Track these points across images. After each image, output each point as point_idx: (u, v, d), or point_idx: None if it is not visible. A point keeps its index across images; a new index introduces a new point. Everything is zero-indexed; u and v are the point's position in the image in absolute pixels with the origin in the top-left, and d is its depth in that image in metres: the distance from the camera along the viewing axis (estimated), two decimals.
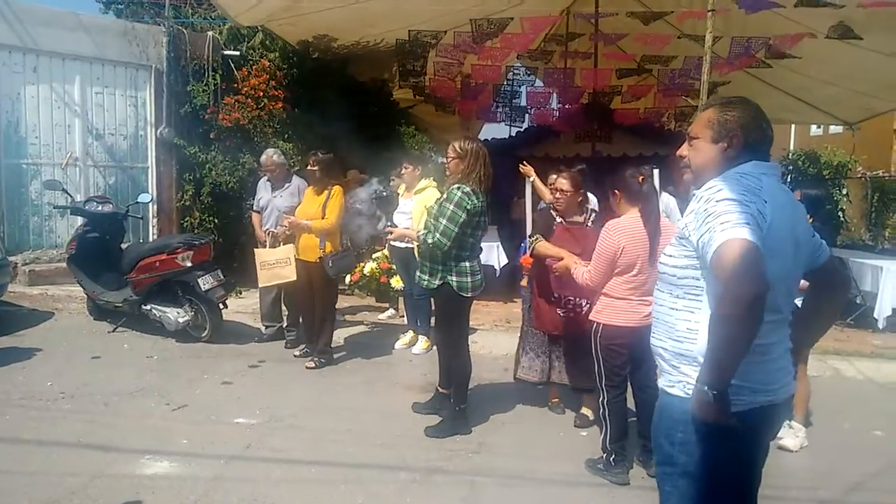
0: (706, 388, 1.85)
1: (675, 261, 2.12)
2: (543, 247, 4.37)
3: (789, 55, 9.00)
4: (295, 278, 5.87)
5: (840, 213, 11.79)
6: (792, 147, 15.84)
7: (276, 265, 5.98)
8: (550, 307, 4.61)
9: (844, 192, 12.03)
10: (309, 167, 5.80)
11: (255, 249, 6.26)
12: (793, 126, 17.89)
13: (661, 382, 2.18)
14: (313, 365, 5.78)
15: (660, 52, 10.26)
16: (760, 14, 7.86)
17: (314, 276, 5.77)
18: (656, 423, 2.20)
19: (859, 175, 12.83)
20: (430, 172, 6.61)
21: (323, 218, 5.70)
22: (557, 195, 4.50)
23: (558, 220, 4.60)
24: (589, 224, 4.54)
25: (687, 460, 2.05)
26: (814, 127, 17.77)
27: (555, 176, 4.79)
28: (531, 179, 5.60)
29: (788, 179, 11.56)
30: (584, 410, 4.76)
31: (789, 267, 2.03)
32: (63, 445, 4.05)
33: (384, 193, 6.85)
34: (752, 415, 1.99)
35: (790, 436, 4.44)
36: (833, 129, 15.20)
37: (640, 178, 3.83)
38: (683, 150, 2.24)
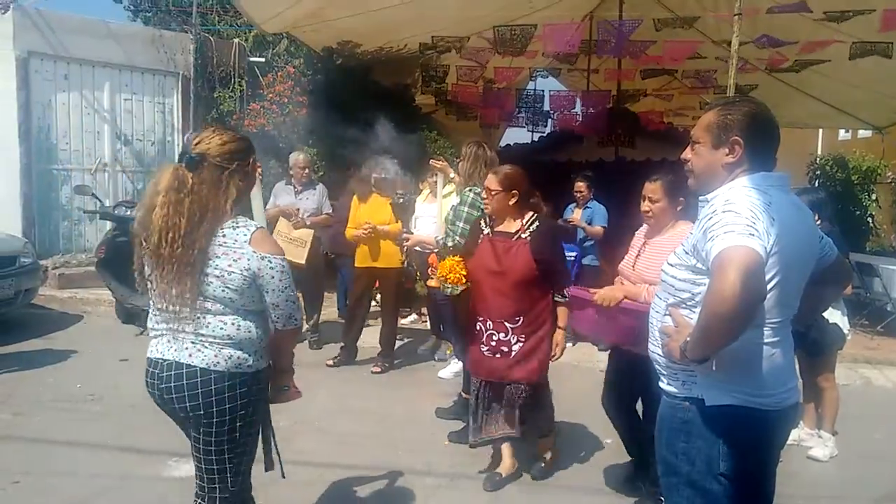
0: (685, 349, 1.90)
1: (675, 271, 2.08)
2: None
3: (818, 60, 8.89)
4: (303, 263, 5.92)
5: (869, 219, 11.57)
6: (819, 151, 15.58)
7: (291, 242, 6.06)
8: (475, 345, 3.84)
9: (874, 197, 11.80)
10: (380, 175, 5.87)
11: (281, 217, 6.24)
12: (820, 130, 17.62)
13: (661, 385, 2.16)
14: (332, 363, 5.91)
15: (687, 57, 10.18)
16: (788, 18, 7.78)
17: (384, 282, 5.93)
18: (658, 433, 2.16)
19: (889, 180, 12.59)
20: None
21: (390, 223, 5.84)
22: (484, 195, 3.83)
23: (486, 231, 3.88)
24: (523, 236, 3.71)
25: (689, 469, 2.02)
26: (842, 131, 17.46)
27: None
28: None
29: (816, 185, 11.38)
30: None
31: (796, 278, 2.00)
32: (92, 447, 4.11)
33: (401, 200, 6.85)
34: (754, 415, 1.96)
35: (819, 445, 4.37)
36: (862, 133, 14.93)
37: None
38: (687, 153, 2.16)
